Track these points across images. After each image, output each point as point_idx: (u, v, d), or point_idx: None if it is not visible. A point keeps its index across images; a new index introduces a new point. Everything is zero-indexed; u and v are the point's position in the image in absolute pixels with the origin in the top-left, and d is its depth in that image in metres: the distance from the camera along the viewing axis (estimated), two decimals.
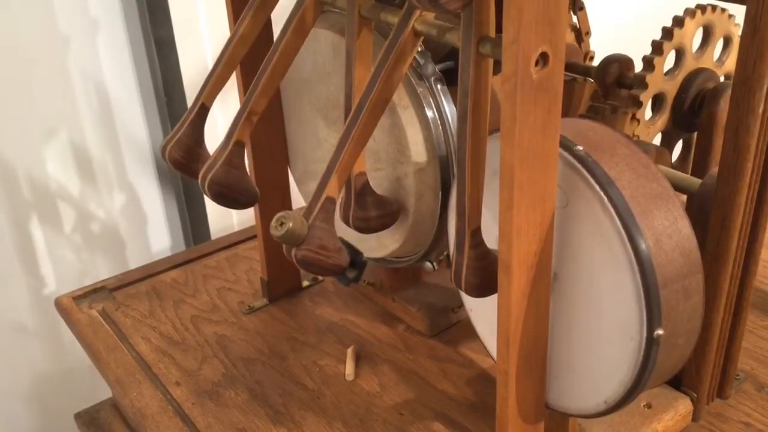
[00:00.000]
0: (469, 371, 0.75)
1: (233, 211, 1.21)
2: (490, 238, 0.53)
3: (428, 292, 0.83)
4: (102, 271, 1.11)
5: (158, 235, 1.17)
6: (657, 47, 0.69)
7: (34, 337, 1.09)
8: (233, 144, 0.62)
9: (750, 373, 0.73)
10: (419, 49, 0.64)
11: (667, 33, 0.69)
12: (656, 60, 0.68)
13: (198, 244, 1.08)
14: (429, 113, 0.65)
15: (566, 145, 0.51)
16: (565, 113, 0.76)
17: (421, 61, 0.64)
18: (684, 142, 0.78)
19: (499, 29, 0.44)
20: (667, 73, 0.71)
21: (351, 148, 0.55)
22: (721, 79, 0.73)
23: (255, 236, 0.98)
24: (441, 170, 0.65)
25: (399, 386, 0.73)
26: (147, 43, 1.04)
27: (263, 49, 0.63)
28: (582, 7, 0.80)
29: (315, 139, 0.76)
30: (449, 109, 0.65)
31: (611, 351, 0.52)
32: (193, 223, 1.16)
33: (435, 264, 0.73)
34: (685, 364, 0.56)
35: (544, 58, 0.43)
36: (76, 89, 1.01)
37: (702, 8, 0.70)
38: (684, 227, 0.51)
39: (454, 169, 0.64)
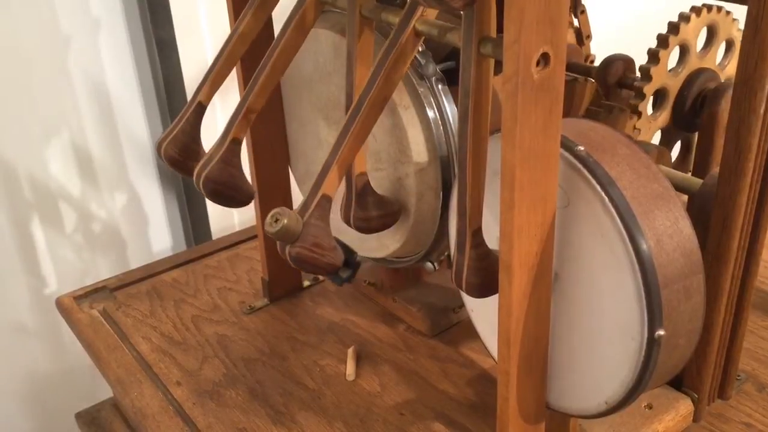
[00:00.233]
0: (470, 371, 0.75)
1: (234, 211, 1.21)
2: (491, 238, 0.53)
3: (429, 293, 0.83)
4: (103, 270, 1.11)
5: (159, 235, 1.17)
6: (663, 41, 0.69)
7: (34, 336, 1.09)
8: (230, 141, 0.61)
9: (751, 374, 0.73)
10: (420, 49, 0.64)
11: (673, 27, 0.69)
12: (661, 53, 0.68)
13: (199, 244, 1.08)
14: (430, 113, 0.65)
15: (567, 145, 0.51)
16: (566, 113, 0.76)
17: (423, 61, 0.64)
18: (682, 143, 0.78)
19: (500, 29, 0.44)
20: (670, 70, 0.71)
21: (348, 146, 0.55)
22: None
23: (256, 236, 0.98)
24: (442, 170, 0.65)
25: (400, 386, 0.73)
26: (148, 43, 1.04)
27: (264, 47, 0.62)
28: (583, 11, 0.80)
29: (316, 139, 0.76)
30: (450, 110, 0.65)
31: (612, 351, 0.52)
32: (194, 223, 1.16)
33: (436, 264, 0.73)
34: (686, 364, 0.56)
35: (545, 59, 0.43)
36: (77, 89, 1.02)
37: (708, 7, 0.70)
38: (685, 227, 0.51)
39: (455, 169, 0.64)
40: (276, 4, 0.64)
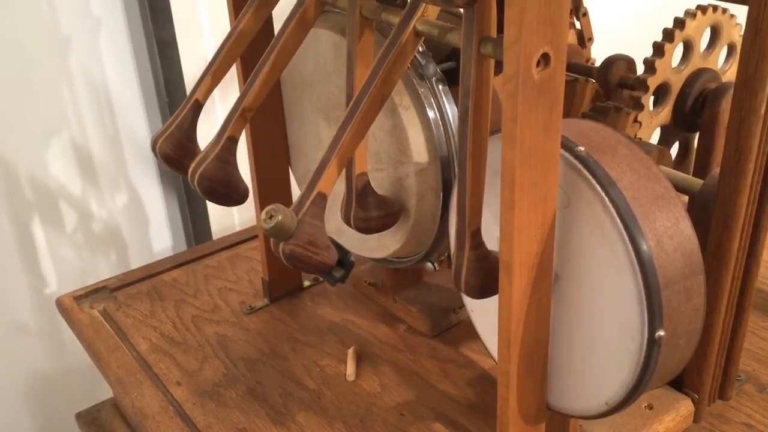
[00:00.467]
0: (470, 372, 0.75)
1: (235, 211, 1.21)
2: (491, 238, 0.53)
3: (429, 293, 0.83)
4: (103, 270, 1.11)
5: (159, 235, 1.17)
6: (668, 34, 0.69)
7: (35, 336, 1.09)
8: (226, 139, 0.61)
9: (751, 375, 0.73)
10: (420, 50, 0.64)
11: (679, 23, 0.69)
12: (667, 46, 0.69)
13: (199, 244, 1.08)
14: (430, 114, 0.65)
15: (568, 145, 0.51)
16: (567, 114, 0.76)
17: (423, 62, 0.64)
18: (681, 143, 0.78)
19: (500, 30, 0.44)
20: (674, 67, 0.71)
21: (345, 145, 0.54)
22: None
23: (256, 236, 0.98)
24: (442, 171, 0.65)
25: (400, 387, 0.73)
26: (149, 44, 1.04)
27: (264, 46, 0.62)
28: (585, 14, 0.80)
29: (316, 140, 0.76)
30: (451, 110, 0.65)
31: (612, 352, 0.52)
32: (195, 223, 1.16)
33: (436, 264, 0.73)
34: (687, 365, 0.56)
35: (545, 59, 0.43)
36: (78, 89, 1.02)
37: (714, 7, 0.71)
38: (685, 228, 0.51)
39: (455, 170, 0.64)
40: (276, 3, 0.64)
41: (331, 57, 0.69)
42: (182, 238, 1.19)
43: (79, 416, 0.89)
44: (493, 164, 0.52)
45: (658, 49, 0.69)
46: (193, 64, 1.07)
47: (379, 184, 0.69)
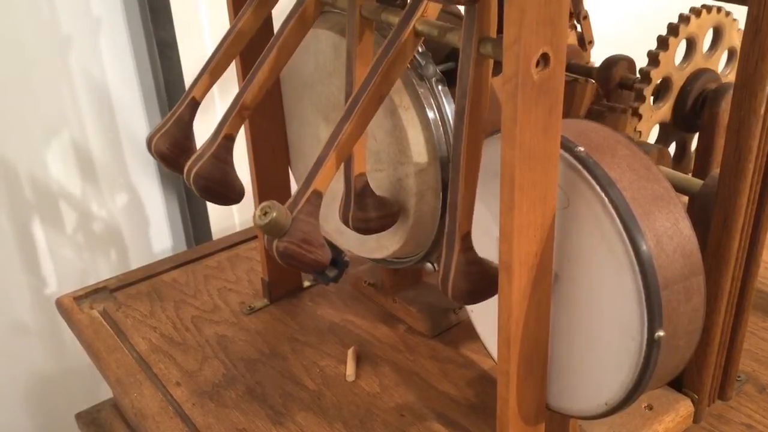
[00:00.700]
0: (470, 372, 0.75)
1: (234, 212, 1.21)
2: (491, 238, 0.53)
3: (429, 293, 0.83)
4: (103, 271, 1.11)
5: (159, 236, 1.17)
6: (673, 29, 0.69)
7: (34, 337, 1.09)
8: (222, 137, 0.60)
9: (751, 375, 0.73)
10: (420, 50, 0.64)
11: (684, 19, 0.69)
12: (671, 40, 0.69)
13: (199, 245, 1.08)
14: (430, 114, 0.65)
15: (567, 146, 0.51)
16: (566, 114, 0.76)
17: (423, 62, 0.64)
18: (678, 144, 0.78)
19: (500, 30, 0.44)
20: (676, 64, 0.71)
21: (341, 143, 0.54)
22: None
23: (256, 236, 0.98)
24: (442, 171, 0.65)
25: (399, 387, 0.73)
26: (149, 43, 1.04)
27: (264, 45, 0.62)
28: (586, 16, 0.80)
29: (316, 140, 0.76)
30: (450, 110, 0.65)
31: (612, 352, 0.52)
32: (195, 224, 1.16)
33: (436, 265, 0.73)
34: (686, 365, 0.56)
35: (545, 59, 0.43)
36: (78, 89, 1.02)
37: (718, 8, 0.71)
38: (685, 228, 0.51)
39: None
40: (276, 2, 0.64)
41: (331, 57, 0.69)
42: (182, 239, 1.19)
43: (79, 416, 0.89)
44: (493, 164, 0.52)
45: (663, 43, 0.69)
46: (193, 64, 1.07)
47: (379, 184, 0.69)
